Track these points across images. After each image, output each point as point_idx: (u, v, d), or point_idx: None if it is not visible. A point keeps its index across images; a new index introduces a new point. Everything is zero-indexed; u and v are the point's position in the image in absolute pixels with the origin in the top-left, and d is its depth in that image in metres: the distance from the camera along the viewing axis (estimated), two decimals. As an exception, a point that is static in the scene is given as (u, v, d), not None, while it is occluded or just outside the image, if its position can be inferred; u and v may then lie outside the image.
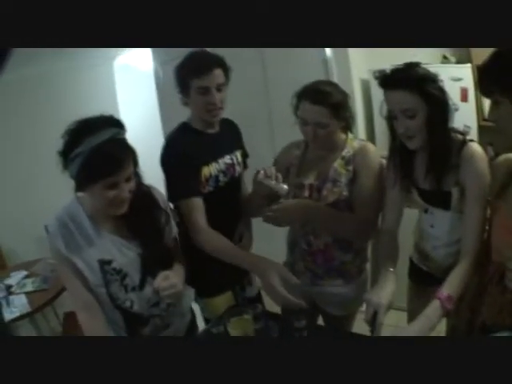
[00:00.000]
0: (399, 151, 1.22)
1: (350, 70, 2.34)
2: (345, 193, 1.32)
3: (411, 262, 1.45)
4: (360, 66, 2.42)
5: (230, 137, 1.54)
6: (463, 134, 1.18)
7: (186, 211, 1.34)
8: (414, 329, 0.97)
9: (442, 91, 1.09)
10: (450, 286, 1.02)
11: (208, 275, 1.42)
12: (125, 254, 1.08)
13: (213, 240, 1.32)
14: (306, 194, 1.38)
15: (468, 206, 1.11)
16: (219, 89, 1.35)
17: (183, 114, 1.48)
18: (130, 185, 1.03)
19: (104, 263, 1.05)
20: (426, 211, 1.28)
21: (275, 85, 2.59)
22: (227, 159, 1.48)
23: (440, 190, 1.17)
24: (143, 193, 1.11)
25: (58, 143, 1.00)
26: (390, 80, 1.13)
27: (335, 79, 2.30)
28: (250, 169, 1.58)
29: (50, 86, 3.37)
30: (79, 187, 1.01)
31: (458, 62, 2.68)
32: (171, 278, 1.06)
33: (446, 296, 1.00)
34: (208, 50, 1.38)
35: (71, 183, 1.03)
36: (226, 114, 1.48)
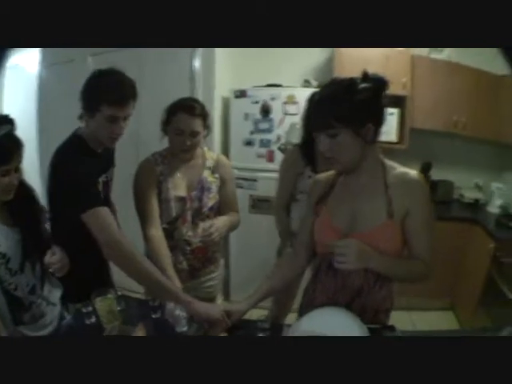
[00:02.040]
0: (310, 144, 1.66)
1: (215, 87, 2.55)
2: (217, 197, 1.61)
3: None
4: (223, 85, 2.62)
5: (108, 155, 1.56)
6: None
7: (99, 220, 1.25)
8: None
9: None
10: None
11: (78, 282, 1.35)
12: (8, 239, 1.17)
13: (132, 255, 1.25)
14: (188, 204, 1.55)
15: None
16: (126, 119, 1.37)
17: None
18: (18, 174, 1.16)
19: None
20: None
21: (144, 97, 2.70)
22: (103, 178, 1.49)
23: None
24: (22, 185, 1.23)
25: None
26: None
27: (200, 94, 2.51)
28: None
29: None
30: None
31: (319, 86, 2.63)
32: (58, 254, 1.21)
33: None
34: (125, 74, 1.37)
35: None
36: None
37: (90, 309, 1.28)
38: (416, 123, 2.80)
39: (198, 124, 1.47)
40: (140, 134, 2.62)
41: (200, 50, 2.53)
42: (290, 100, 2.51)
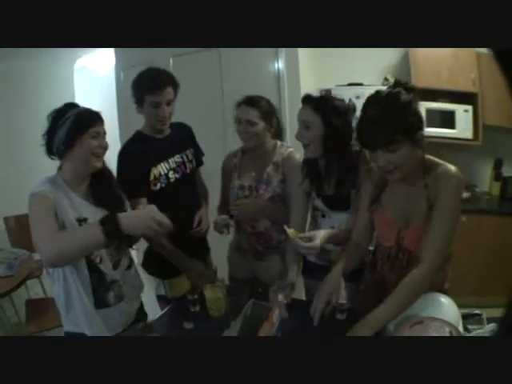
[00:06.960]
0: (307, 162, 1.51)
1: (300, 87, 2.62)
2: (278, 190, 1.66)
3: (306, 261, 1.71)
4: (307, 85, 2.65)
5: (180, 138, 1.77)
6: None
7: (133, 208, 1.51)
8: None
9: (345, 120, 1.42)
10: None
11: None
12: (95, 215, 1.27)
13: None
14: (247, 192, 1.70)
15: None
16: (168, 103, 1.60)
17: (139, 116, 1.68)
18: (105, 141, 1.31)
19: (80, 220, 1.27)
20: (323, 216, 1.58)
21: (230, 95, 2.71)
22: (177, 158, 1.73)
23: (340, 194, 1.47)
24: (106, 168, 1.37)
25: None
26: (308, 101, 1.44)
27: (286, 94, 2.60)
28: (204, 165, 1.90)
29: (13, 82, 3.56)
30: (69, 143, 1.25)
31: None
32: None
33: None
34: (161, 68, 1.63)
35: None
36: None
37: (196, 297, 1.45)
38: (486, 120, 2.83)
39: (254, 115, 1.59)
40: (227, 132, 2.72)
41: (283, 53, 2.61)
42: (373, 98, 2.55)
